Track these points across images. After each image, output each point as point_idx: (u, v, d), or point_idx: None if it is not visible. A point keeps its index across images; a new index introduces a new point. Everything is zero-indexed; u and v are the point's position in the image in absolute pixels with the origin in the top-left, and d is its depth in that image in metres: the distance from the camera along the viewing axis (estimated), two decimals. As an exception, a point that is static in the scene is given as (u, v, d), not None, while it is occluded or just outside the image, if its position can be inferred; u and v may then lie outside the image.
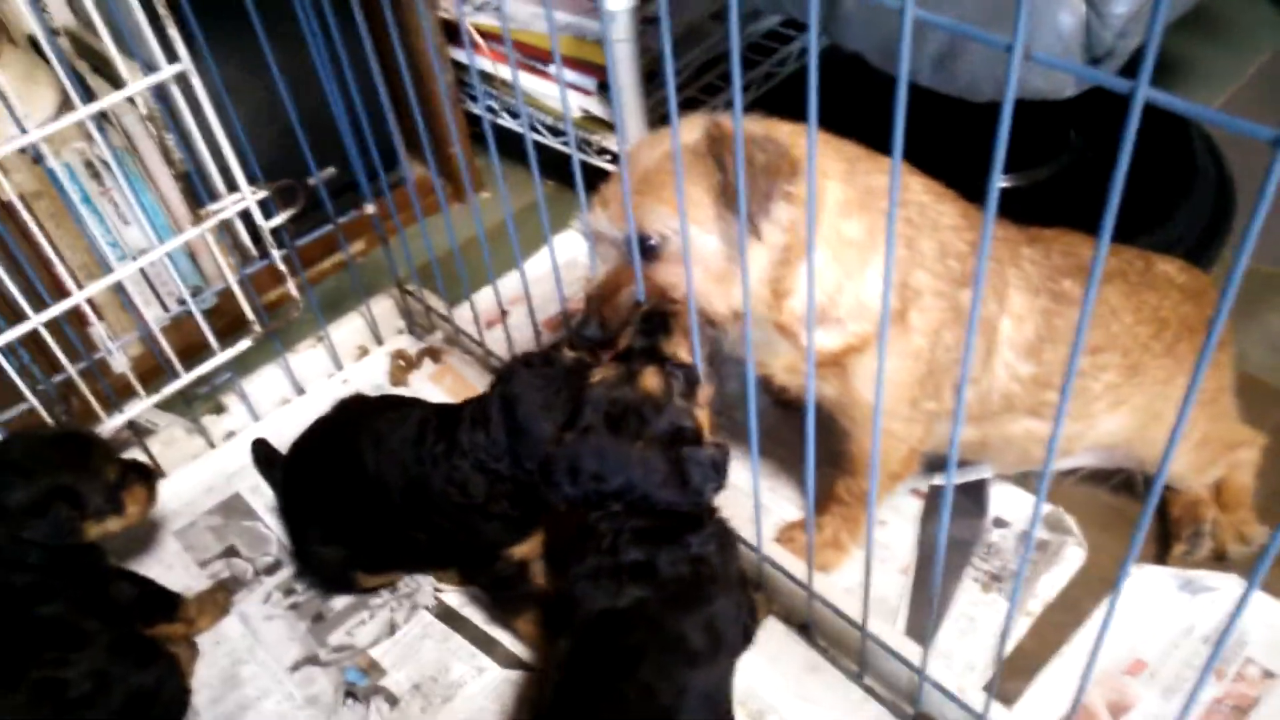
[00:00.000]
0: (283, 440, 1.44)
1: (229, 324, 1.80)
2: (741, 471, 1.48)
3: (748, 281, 0.96)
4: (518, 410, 1.11)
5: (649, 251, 1.07)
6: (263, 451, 1.53)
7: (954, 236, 1.11)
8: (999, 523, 1.40)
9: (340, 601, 1.40)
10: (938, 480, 1.45)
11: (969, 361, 0.80)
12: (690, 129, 1.05)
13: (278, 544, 1.48)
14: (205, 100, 1.38)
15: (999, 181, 0.70)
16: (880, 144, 1.01)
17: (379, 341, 1.74)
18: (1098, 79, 0.63)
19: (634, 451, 1.00)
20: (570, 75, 1.92)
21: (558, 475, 1.02)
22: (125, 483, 1.24)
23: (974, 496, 1.42)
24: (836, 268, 1.08)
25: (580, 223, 1.12)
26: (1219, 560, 1.32)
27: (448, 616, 1.37)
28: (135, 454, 1.51)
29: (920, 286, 1.10)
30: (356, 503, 1.26)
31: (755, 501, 1.21)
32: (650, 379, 1.03)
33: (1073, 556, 1.34)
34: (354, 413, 1.33)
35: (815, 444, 1.02)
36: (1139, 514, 0.76)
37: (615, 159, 1.41)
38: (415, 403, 1.32)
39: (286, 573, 1.44)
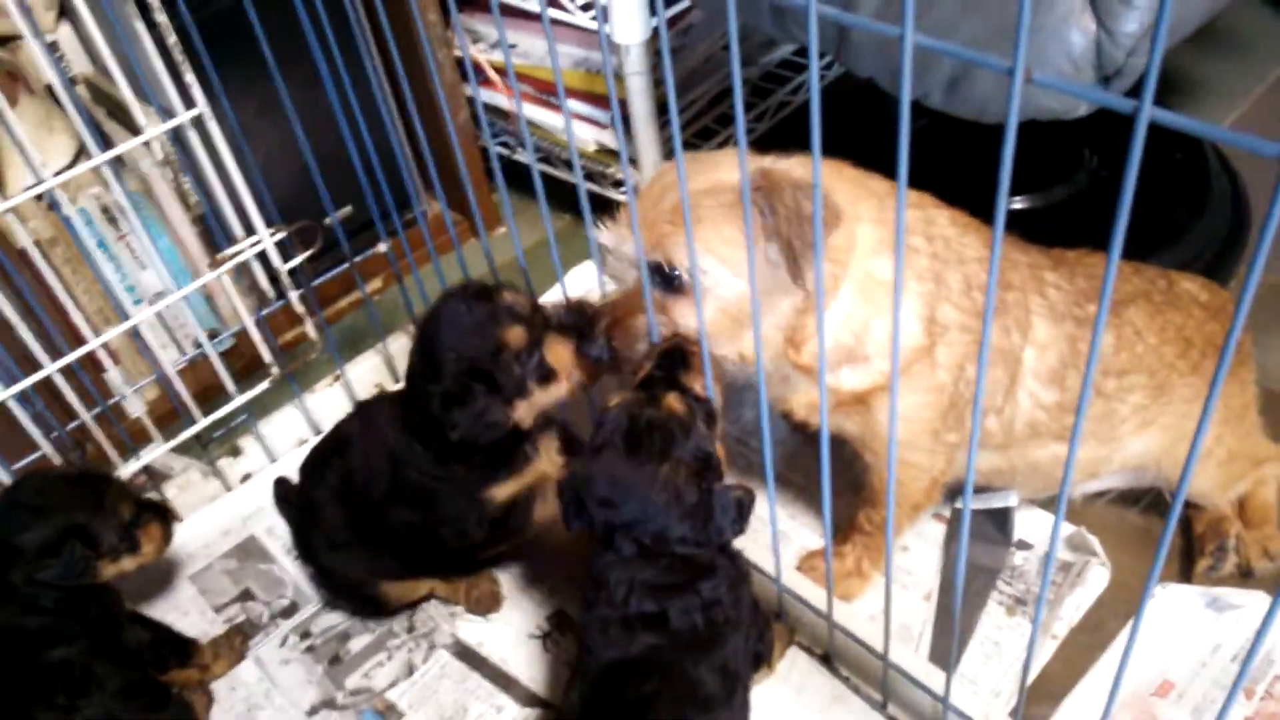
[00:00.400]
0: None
1: (246, 365, 1.81)
2: (760, 500, 1.47)
3: (822, 320, 0.95)
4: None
5: (670, 282, 1.05)
6: (284, 490, 1.52)
7: (979, 269, 1.10)
8: (1022, 545, 1.38)
9: (358, 643, 1.39)
10: (959, 502, 1.43)
11: (980, 396, 0.79)
12: (731, 167, 1.01)
13: (293, 587, 1.47)
14: (222, 143, 1.39)
15: (1010, 204, 0.69)
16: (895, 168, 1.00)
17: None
18: (1100, 99, 0.62)
19: (658, 473, 0.96)
20: (585, 108, 1.93)
21: (566, 501, 1.01)
22: (140, 521, 1.24)
23: (998, 522, 1.40)
24: (866, 306, 1.07)
25: (603, 236, 1.10)
26: (1245, 577, 1.30)
27: (466, 655, 1.35)
28: (151, 499, 1.51)
29: (947, 321, 1.09)
30: (363, 507, 1.29)
31: (773, 531, 1.20)
32: (675, 401, 1.01)
33: (1097, 577, 1.31)
34: (346, 427, 1.36)
35: (838, 472, 1.01)
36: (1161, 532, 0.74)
37: (633, 190, 1.42)
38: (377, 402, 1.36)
39: (303, 615, 1.43)
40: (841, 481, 1.34)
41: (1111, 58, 1.14)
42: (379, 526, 1.30)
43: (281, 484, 1.53)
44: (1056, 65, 1.15)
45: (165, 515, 1.29)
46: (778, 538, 1.22)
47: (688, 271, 1.02)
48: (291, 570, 1.49)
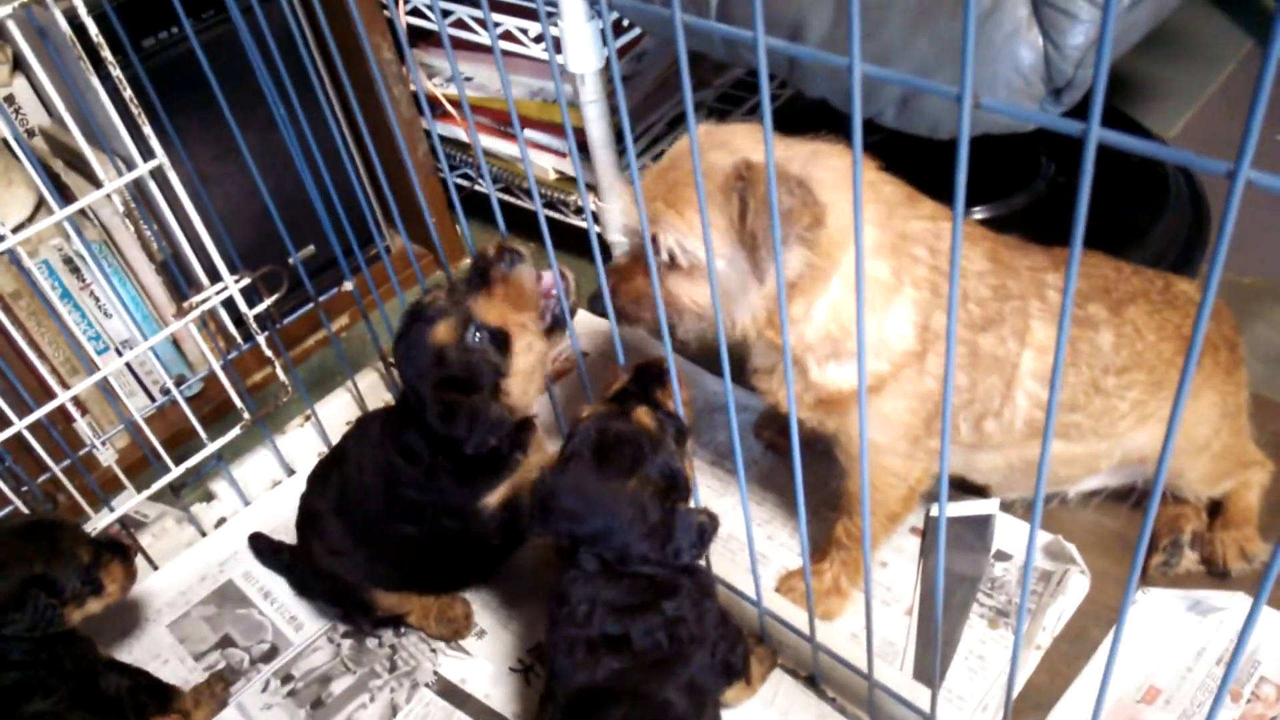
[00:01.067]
0: (274, 524, 1.43)
1: (216, 409, 1.79)
2: (737, 522, 1.48)
3: (785, 319, 0.96)
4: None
5: (667, 260, 1.08)
6: (261, 544, 1.51)
7: (978, 281, 1.12)
8: (1001, 556, 1.39)
9: (340, 685, 1.37)
10: (934, 511, 1.44)
11: (949, 405, 0.80)
12: (736, 148, 1.05)
13: (273, 630, 1.45)
14: (181, 191, 1.38)
15: (971, 214, 0.70)
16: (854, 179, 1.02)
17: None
18: (1049, 123, 0.63)
19: (624, 489, 0.97)
20: (543, 138, 1.94)
21: (534, 505, 1.01)
22: (101, 562, 1.23)
23: (977, 530, 1.41)
24: (854, 300, 1.08)
25: (613, 202, 1.13)
26: (1222, 578, 1.31)
27: (449, 692, 1.35)
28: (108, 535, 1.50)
29: (941, 330, 1.11)
30: (361, 520, 1.30)
31: (751, 555, 1.20)
32: (646, 415, 1.02)
33: (1077, 585, 1.32)
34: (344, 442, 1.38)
35: (814, 489, 1.02)
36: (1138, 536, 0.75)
37: (594, 217, 1.43)
38: (370, 420, 1.36)
39: (283, 659, 1.42)
40: (817, 498, 1.35)
41: (1061, 71, 1.16)
42: (378, 538, 1.31)
43: (256, 538, 1.52)
44: (1007, 80, 1.17)
45: (125, 552, 1.28)
46: (756, 560, 1.22)
47: (668, 248, 1.06)
48: (271, 614, 1.47)
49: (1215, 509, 1.36)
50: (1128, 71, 2.21)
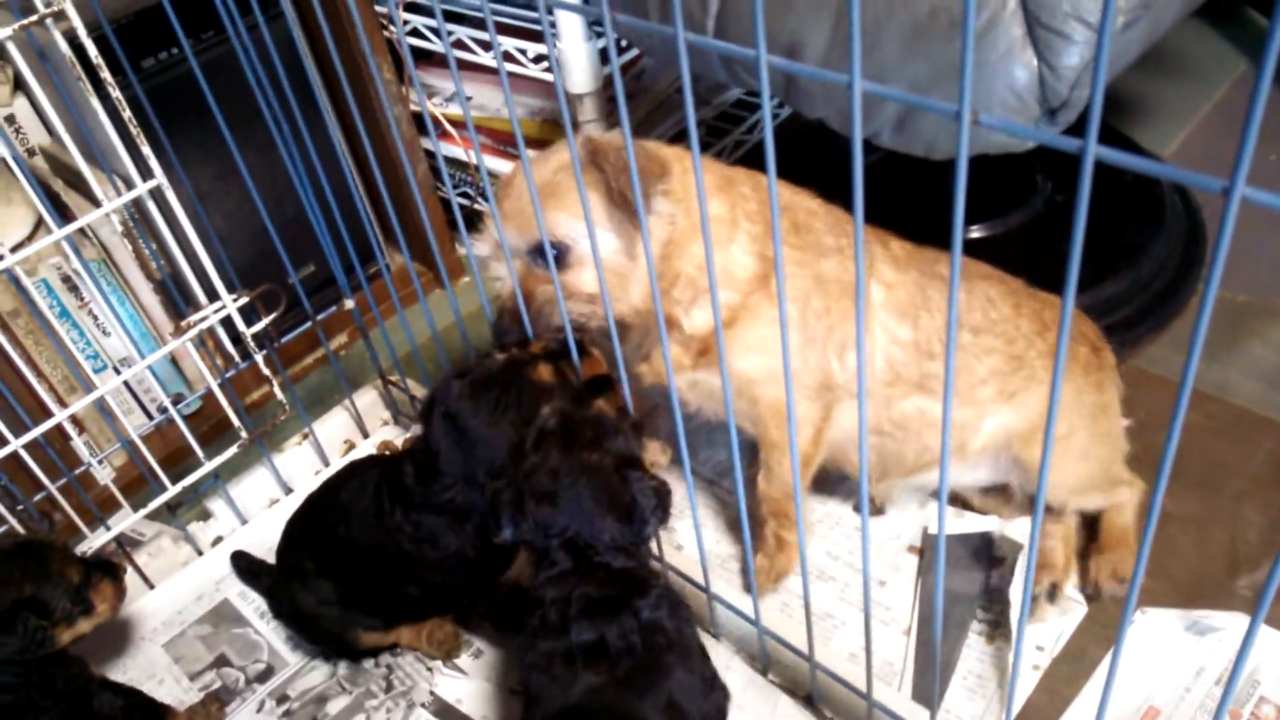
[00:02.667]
0: (270, 543, 1.43)
1: (214, 427, 1.79)
2: (732, 541, 1.48)
3: (652, 267, 0.97)
4: (463, 423, 1.13)
5: (563, 259, 1.13)
6: (244, 563, 1.51)
7: (808, 217, 1.21)
8: (996, 563, 1.39)
9: (335, 705, 1.37)
10: (932, 528, 1.43)
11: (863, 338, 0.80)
12: (560, 151, 1.15)
13: (268, 650, 1.45)
14: (180, 210, 1.39)
15: (968, 233, 0.70)
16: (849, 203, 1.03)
17: (365, 434, 1.73)
18: (1047, 140, 0.63)
19: (588, 460, 1.01)
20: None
21: (501, 509, 1.03)
22: (91, 582, 1.22)
23: (975, 549, 1.41)
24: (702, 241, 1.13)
25: (478, 244, 1.19)
26: (1091, 600, 1.32)
27: (445, 713, 1.34)
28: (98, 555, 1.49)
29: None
30: (346, 570, 1.30)
31: (749, 573, 1.19)
32: (603, 403, 1.09)
33: (1075, 608, 1.32)
34: (327, 487, 1.36)
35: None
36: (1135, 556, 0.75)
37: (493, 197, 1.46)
38: (372, 465, 1.34)
39: (279, 679, 1.41)
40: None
41: (1055, 91, 1.16)
42: (367, 592, 1.31)
43: (240, 557, 1.51)
44: (1002, 100, 1.17)
45: (115, 571, 1.27)
46: (754, 580, 1.22)
47: (567, 239, 1.11)
48: (266, 633, 1.47)
49: (1092, 533, 1.38)
50: (1123, 90, 2.22)
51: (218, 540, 1.59)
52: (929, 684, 1.25)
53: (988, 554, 1.40)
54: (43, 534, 1.31)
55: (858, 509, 1.46)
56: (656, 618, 1.02)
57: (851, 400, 1.25)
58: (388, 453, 1.68)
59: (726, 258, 1.16)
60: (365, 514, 1.24)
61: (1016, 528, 1.39)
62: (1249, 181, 0.53)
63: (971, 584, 1.37)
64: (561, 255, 1.12)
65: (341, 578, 1.31)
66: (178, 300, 1.58)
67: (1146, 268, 1.68)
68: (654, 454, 1.48)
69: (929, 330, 1.22)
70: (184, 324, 1.39)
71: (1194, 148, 2.06)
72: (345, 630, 1.34)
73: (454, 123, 1.99)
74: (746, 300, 1.18)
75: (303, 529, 1.37)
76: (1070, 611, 1.32)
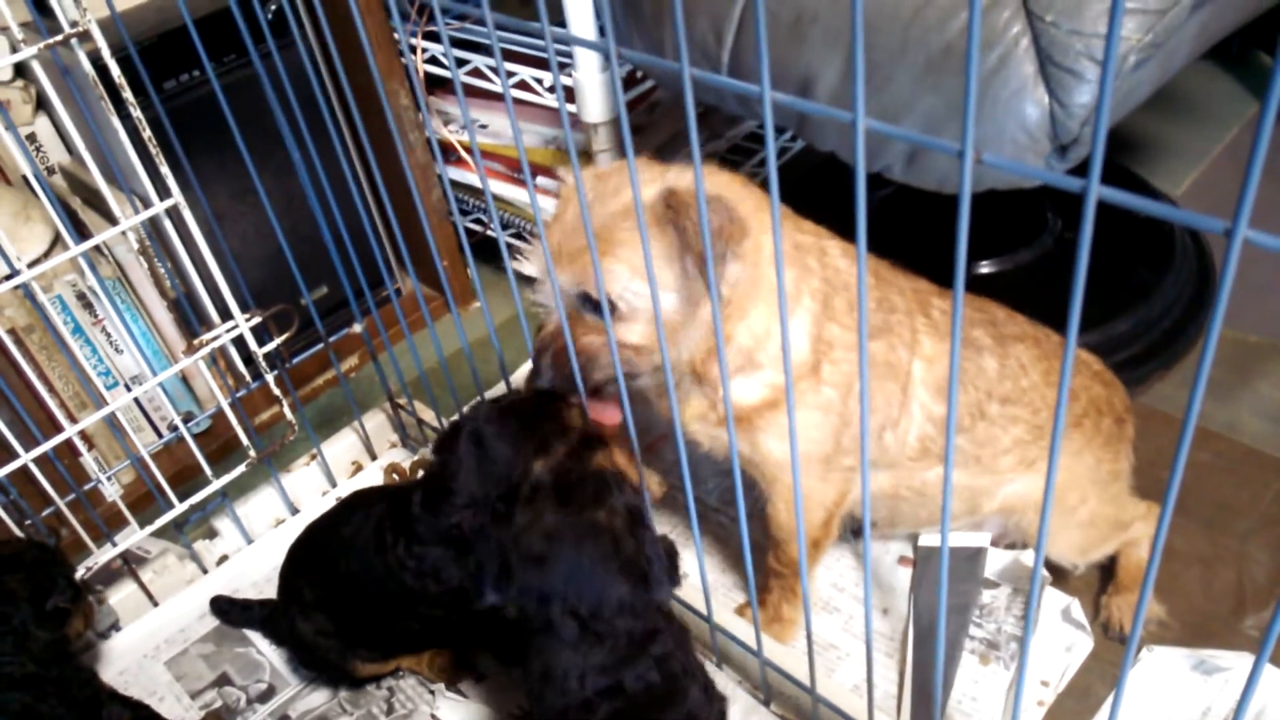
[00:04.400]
0: (275, 563, 1.43)
1: (223, 446, 1.80)
2: (736, 573, 1.48)
3: (719, 329, 0.97)
4: (486, 442, 1.09)
5: (597, 308, 1.06)
6: (224, 605, 1.49)
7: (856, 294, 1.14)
8: (989, 583, 1.38)
9: (336, 727, 1.37)
10: (925, 540, 1.43)
11: (866, 417, 0.80)
12: (645, 187, 1.04)
13: (270, 670, 1.45)
14: (196, 230, 1.40)
15: (977, 268, 0.71)
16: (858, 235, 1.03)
17: (373, 456, 1.73)
18: (1049, 179, 0.64)
19: (595, 519, 0.95)
20: (554, 185, 1.96)
21: (485, 578, 0.98)
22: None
23: (968, 564, 1.40)
24: (767, 313, 1.11)
25: (525, 263, 1.13)
26: (1121, 642, 1.31)
27: (447, 737, 1.34)
28: (127, 583, 1.50)
29: (832, 339, 1.14)
30: (346, 605, 1.29)
31: (753, 603, 1.19)
32: (603, 458, 1.03)
33: (1081, 643, 1.31)
34: (330, 519, 1.35)
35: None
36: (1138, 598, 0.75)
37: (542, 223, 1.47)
38: (377, 497, 1.32)
39: (281, 699, 1.41)
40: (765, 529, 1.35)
41: (1066, 128, 1.17)
42: (367, 625, 1.30)
43: (219, 602, 1.49)
44: (1012, 137, 1.18)
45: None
46: (757, 610, 1.22)
47: (613, 296, 1.03)
48: (269, 653, 1.47)
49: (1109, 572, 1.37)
50: (1134, 130, 2.23)
51: (223, 559, 1.59)
52: (927, 708, 1.24)
53: (980, 569, 1.39)
54: (40, 540, 1.33)
55: (855, 534, 1.46)
56: (667, 651, 1.00)
57: (876, 468, 1.24)
58: (395, 476, 1.69)
59: (781, 335, 1.13)
60: (367, 549, 1.22)
61: (1009, 554, 1.39)
62: (1261, 223, 0.54)
63: (963, 597, 1.36)
64: (599, 306, 1.05)
65: (340, 612, 1.31)
66: (191, 319, 1.60)
67: (1156, 305, 1.68)
68: (650, 485, 1.47)
69: (961, 406, 1.20)
70: (196, 342, 1.41)
71: (1204, 188, 2.07)
72: (343, 660, 1.34)
73: (468, 149, 2.01)
74: (795, 385, 1.13)
75: (304, 557, 1.36)
76: (1076, 647, 1.31)
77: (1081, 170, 0.63)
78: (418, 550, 1.18)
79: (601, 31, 1.63)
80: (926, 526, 1.36)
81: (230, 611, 1.49)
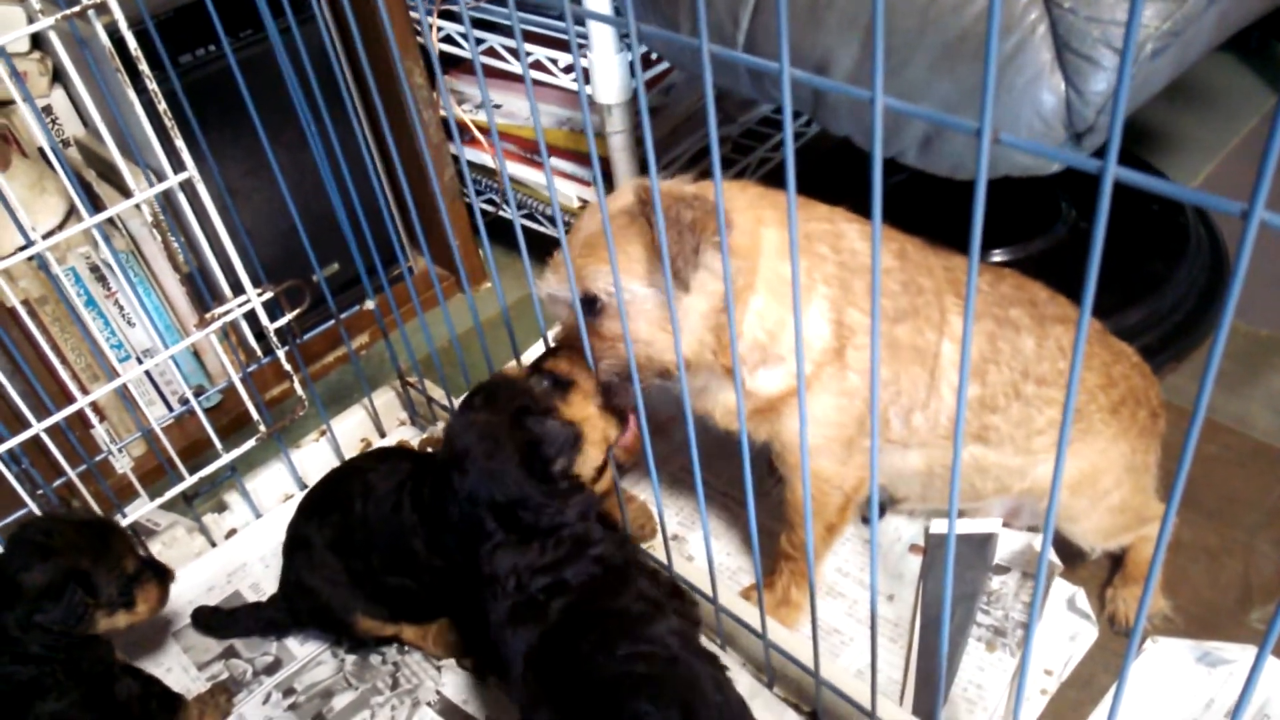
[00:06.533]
0: (282, 538, 1.44)
1: (233, 420, 1.81)
2: (745, 555, 1.48)
3: (678, 335, 1.00)
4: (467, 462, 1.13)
5: (595, 308, 1.12)
6: (203, 617, 1.47)
7: (885, 278, 1.15)
8: (999, 569, 1.38)
9: (341, 700, 1.37)
10: (935, 528, 1.43)
11: (876, 409, 0.80)
12: (625, 193, 1.12)
13: (276, 643, 1.46)
14: (210, 204, 1.41)
15: (990, 256, 0.71)
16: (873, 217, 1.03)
17: (382, 434, 1.74)
18: (1066, 159, 0.64)
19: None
20: (569, 166, 1.96)
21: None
22: (140, 578, 1.24)
23: (978, 549, 1.40)
24: (777, 306, 1.12)
25: (541, 284, 1.18)
26: (1125, 635, 1.31)
27: (450, 712, 1.34)
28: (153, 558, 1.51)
29: (855, 324, 1.14)
30: (355, 549, 1.31)
31: (758, 586, 1.20)
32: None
33: (1085, 632, 1.31)
34: (355, 464, 1.39)
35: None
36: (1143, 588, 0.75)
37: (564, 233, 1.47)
38: (405, 455, 1.36)
39: (286, 672, 1.42)
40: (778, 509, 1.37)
41: (1082, 116, 1.16)
42: (374, 582, 1.32)
43: (200, 611, 1.47)
44: (1028, 124, 1.17)
45: (165, 576, 1.29)
46: (762, 592, 1.22)
47: (602, 293, 1.10)
48: (276, 627, 1.48)
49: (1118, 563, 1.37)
50: (1150, 121, 2.22)
51: (232, 532, 1.61)
52: (930, 695, 1.25)
53: (989, 556, 1.39)
54: (109, 519, 1.33)
55: (865, 520, 1.46)
56: (606, 551, 1.06)
57: (908, 447, 1.24)
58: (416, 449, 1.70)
59: (800, 323, 1.13)
60: (385, 500, 1.26)
61: (1020, 536, 1.39)
62: (1278, 208, 0.54)
63: (972, 585, 1.36)
64: (600, 306, 1.12)
65: (349, 555, 1.32)
66: (204, 293, 1.60)
67: (1169, 297, 1.68)
68: (641, 518, 1.48)
69: (996, 385, 1.19)
70: (208, 316, 1.41)
71: (1220, 180, 2.05)
72: (345, 612, 1.34)
73: (483, 129, 2.01)
74: (820, 371, 1.15)
75: (321, 499, 1.38)
76: (1080, 636, 1.31)
77: (1097, 157, 0.62)
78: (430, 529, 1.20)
79: (618, 11, 1.63)
80: (963, 502, 1.36)
81: (212, 622, 1.46)
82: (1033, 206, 1.77)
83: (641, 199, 1.06)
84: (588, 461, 1.12)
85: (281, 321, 1.46)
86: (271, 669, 1.43)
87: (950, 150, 1.25)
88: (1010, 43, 1.16)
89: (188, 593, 1.53)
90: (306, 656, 1.43)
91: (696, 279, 1.08)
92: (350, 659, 1.42)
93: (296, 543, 1.37)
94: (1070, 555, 1.37)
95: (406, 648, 1.42)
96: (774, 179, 2.21)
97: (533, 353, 1.71)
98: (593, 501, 1.10)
